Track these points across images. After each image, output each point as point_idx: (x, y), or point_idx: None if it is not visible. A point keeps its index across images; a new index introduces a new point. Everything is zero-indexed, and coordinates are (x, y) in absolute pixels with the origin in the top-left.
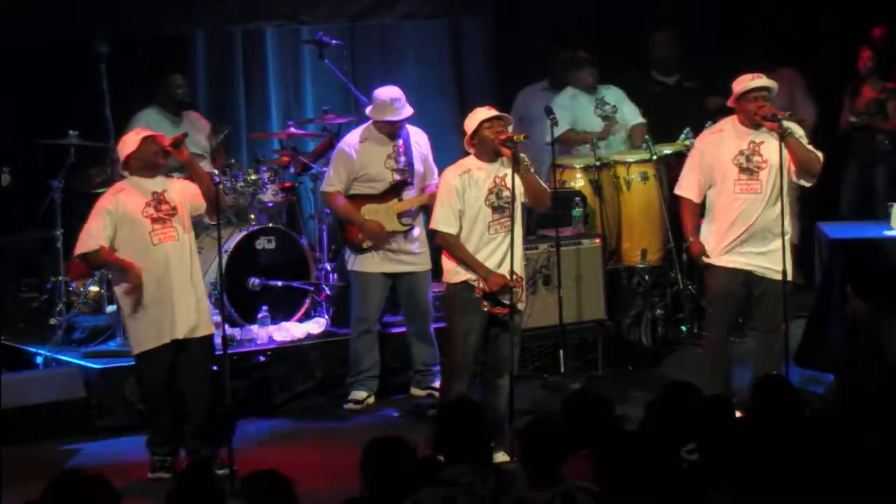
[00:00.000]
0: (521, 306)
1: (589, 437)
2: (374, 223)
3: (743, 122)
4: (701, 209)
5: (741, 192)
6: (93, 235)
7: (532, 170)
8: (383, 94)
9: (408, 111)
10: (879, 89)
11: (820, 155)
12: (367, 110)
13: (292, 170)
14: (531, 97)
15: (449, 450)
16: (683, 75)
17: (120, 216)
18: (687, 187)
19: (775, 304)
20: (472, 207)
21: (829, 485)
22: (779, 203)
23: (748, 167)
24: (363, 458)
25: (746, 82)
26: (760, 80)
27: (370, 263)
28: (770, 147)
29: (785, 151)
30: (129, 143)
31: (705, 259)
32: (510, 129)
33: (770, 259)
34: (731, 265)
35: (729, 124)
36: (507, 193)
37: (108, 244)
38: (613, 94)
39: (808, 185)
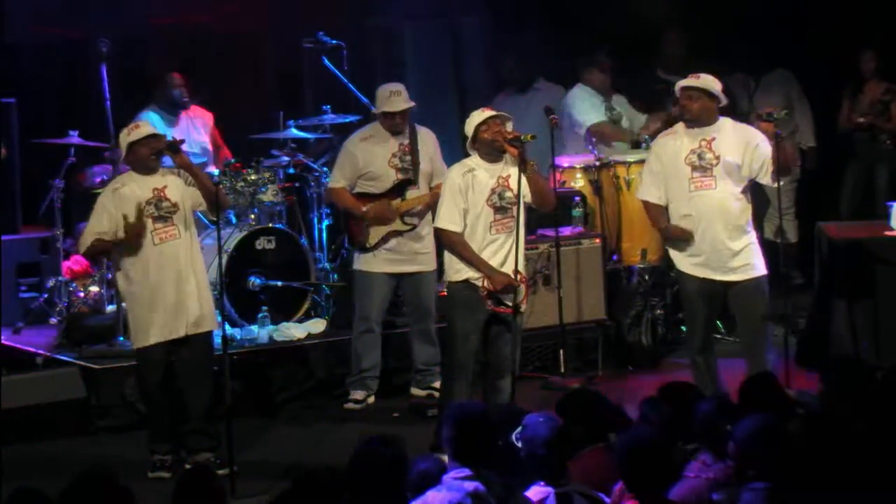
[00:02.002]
0: (523, 307)
1: (589, 436)
2: (378, 205)
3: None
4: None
5: (696, 190)
6: (90, 233)
7: (537, 169)
8: (384, 87)
9: (406, 103)
10: (883, 90)
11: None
12: (373, 108)
13: (292, 170)
14: (507, 102)
15: (456, 453)
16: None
17: (119, 214)
18: (648, 191)
19: (748, 302)
20: (474, 207)
21: (825, 483)
22: (737, 198)
23: (700, 165)
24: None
25: (681, 83)
26: (689, 80)
27: (375, 263)
28: (721, 144)
29: (766, 149)
30: (121, 144)
31: (676, 265)
32: (509, 126)
33: (734, 261)
34: (698, 275)
35: (681, 126)
36: (509, 194)
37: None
38: (619, 101)
39: (776, 184)
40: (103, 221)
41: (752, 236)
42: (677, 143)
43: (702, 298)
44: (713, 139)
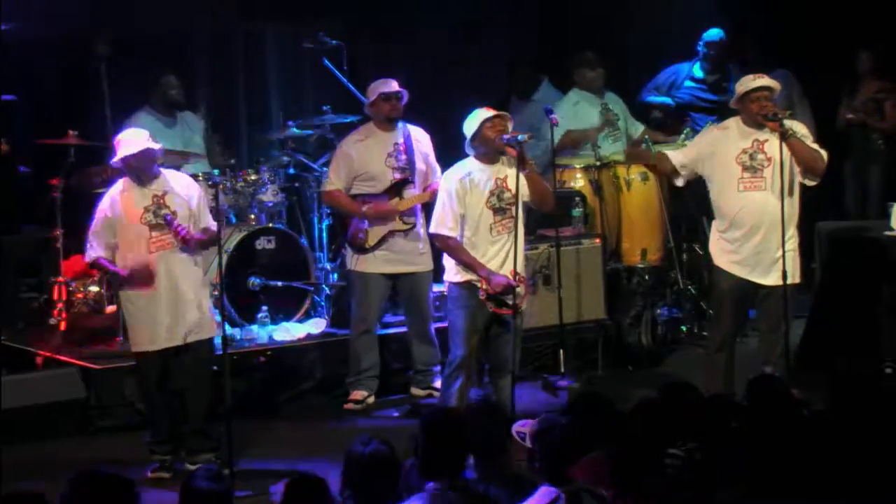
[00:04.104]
0: (522, 307)
1: (595, 438)
2: (378, 205)
3: (746, 122)
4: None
5: (745, 190)
6: (93, 245)
7: (535, 169)
8: (377, 81)
9: (400, 88)
10: (876, 89)
11: (824, 154)
12: (365, 106)
13: (292, 170)
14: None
15: (424, 463)
16: (724, 76)
17: (119, 222)
18: (675, 156)
19: (779, 303)
20: (473, 210)
21: (825, 483)
22: (784, 201)
23: (751, 165)
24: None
25: (749, 83)
26: (763, 80)
27: (371, 264)
28: (774, 146)
29: (787, 151)
30: (130, 145)
31: (714, 261)
32: (510, 126)
33: (776, 265)
34: (736, 273)
35: (734, 123)
36: (508, 195)
37: (108, 253)
38: (616, 103)
39: (811, 184)
40: (105, 230)
41: (795, 242)
42: (728, 138)
43: (733, 298)
44: (766, 140)
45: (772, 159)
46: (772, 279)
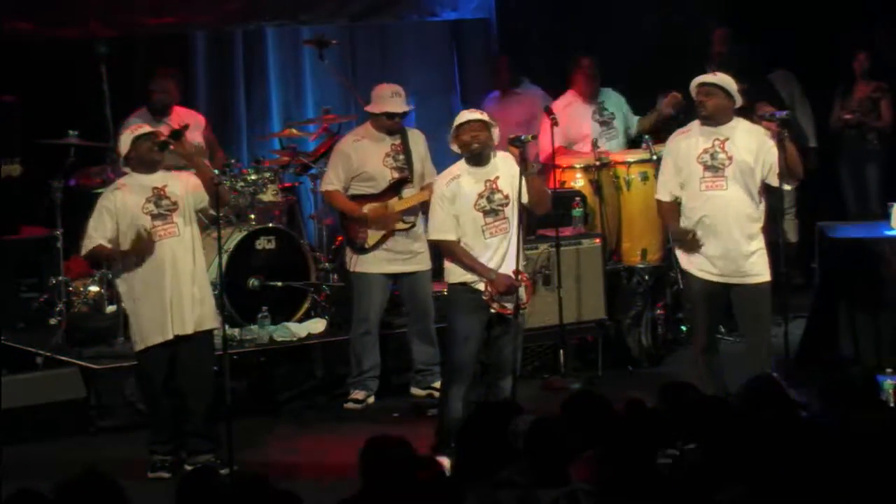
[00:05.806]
0: (526, 306)
1: (590, 437)
2: (378, 207)
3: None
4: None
5: (706, 190)
6: (92, 236)
7: (535, 170)
8: (384, 87)
9: (407, 106)
10: (872, 88)
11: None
12: (368, 107)
13: (292, 170)
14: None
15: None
16: (734, 75)
17: (120, 213)
18: (661, 191)
19: (754, 306)
20: (463, 213)
21: (825, 483)
22: (750, 201)
23: (713, 164)
24: (361, 455)
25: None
26: (702, 77)
27: (372, 264)
28: (734, 144)
29: (776, 152)
30: (123, 142)
31: (682, 265)
32: (495, 132)
33: (744, 264)
34: (704, 276)
35: (695, 124)
36: (499, 196)
37: (108, 243)
38: (613, 101)
39: (788, 188)
40: (105, 222)
41: (761, 241)
42: (690, 141)
43: (706, 299)
44: (727, 139)
45: (732, 158)
46: (741, 279)
